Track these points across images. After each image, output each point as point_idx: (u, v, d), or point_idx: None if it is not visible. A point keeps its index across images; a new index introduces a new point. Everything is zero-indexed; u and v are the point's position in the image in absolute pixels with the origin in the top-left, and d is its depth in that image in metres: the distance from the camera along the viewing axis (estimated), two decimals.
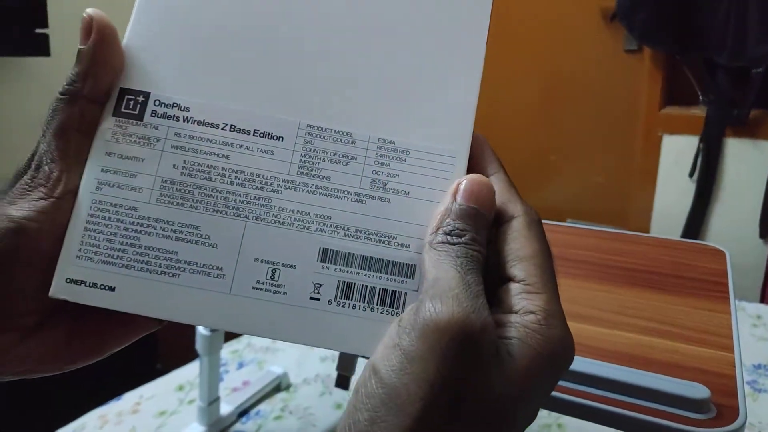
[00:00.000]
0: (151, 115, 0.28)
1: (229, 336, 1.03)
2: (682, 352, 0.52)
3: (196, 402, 0.85)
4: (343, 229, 0.27)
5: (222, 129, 0.28)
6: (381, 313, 0.26)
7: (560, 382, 0.46)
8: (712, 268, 0.88)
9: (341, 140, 0.28)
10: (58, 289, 0.26)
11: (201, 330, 0.82)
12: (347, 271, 0.26)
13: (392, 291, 0.26)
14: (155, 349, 1.48)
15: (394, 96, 0.28)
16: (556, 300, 0.24)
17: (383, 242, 0.27)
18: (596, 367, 0.46)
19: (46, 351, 0.27)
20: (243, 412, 0.89)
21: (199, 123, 0.28)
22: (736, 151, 1.55)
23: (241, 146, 0.27)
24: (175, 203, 0.27)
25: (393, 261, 0.27)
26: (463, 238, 0.25)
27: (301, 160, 0.27)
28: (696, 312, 0.63)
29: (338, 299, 0.26)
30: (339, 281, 0.26)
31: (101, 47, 0.27)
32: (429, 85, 0.28)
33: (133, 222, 0.27)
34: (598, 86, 1.75)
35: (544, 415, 0.91)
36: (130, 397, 0.93)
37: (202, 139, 0.27)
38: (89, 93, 0.27)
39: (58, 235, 0.26)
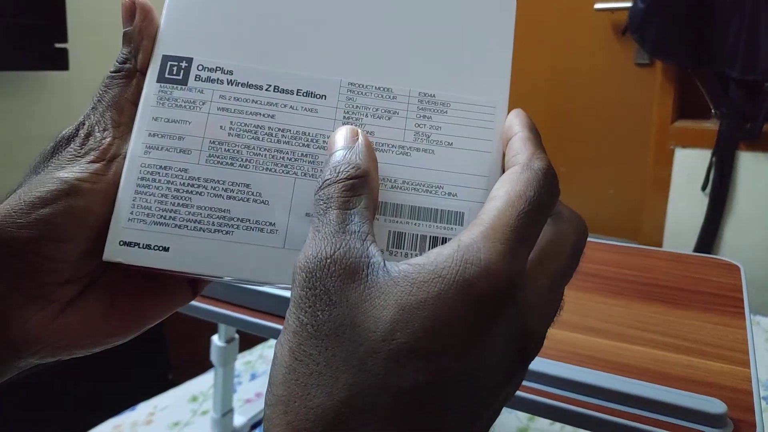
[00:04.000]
0: (195, 79, 0.28)
1: (243, 347, 1.03)
2: (697, 367, 0.52)
3: (210, 413, 0.86)
4: (390, 181, 0.27)
5: (266, 90, 0.28)
6: None
7: (575, 395, 0.46)
8: (726, 282, 0.88)
9: (382, 96, 0.28)
10: (112, 252, 0.26)
11: (216, 341, 0.82)
12: (397, 221, 0.27)
13: (443, 238, 0.27)
14: (167, 359, 1.49)
15: (432, 52, 0.29)
16: (491, 237, 0.21)
17: (430, 192, 0.27)
18: (611, 381, 0.46)
19: (84, 325, 0.27)
20: (256, 424, 0.90)
21: (243, 85, 0.28)
22: (749, 164, 1.55)
23: (285, 105, 0.28)
24: (224, 163, 0.27)
25: (441, 209, 0.27)
26: None
27: (344, 116, 0.28)
28: (711, 327, 0.63)
29: (390, 248, 0.27)
30: (390, 231, 0.27)
31: (146, 26, 0.28)
32: (465, 41, 0.29)
33: (184, 183, 0.27)
34: (610, 99, 1.75)
35: (557, 429, 0.90)
36: (144, 408, 0.93)
37: (247, 101, 0.28)
38: (142, 67, 0.28)
39: (109, 197, 0.27)
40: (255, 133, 0.28)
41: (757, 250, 1.54)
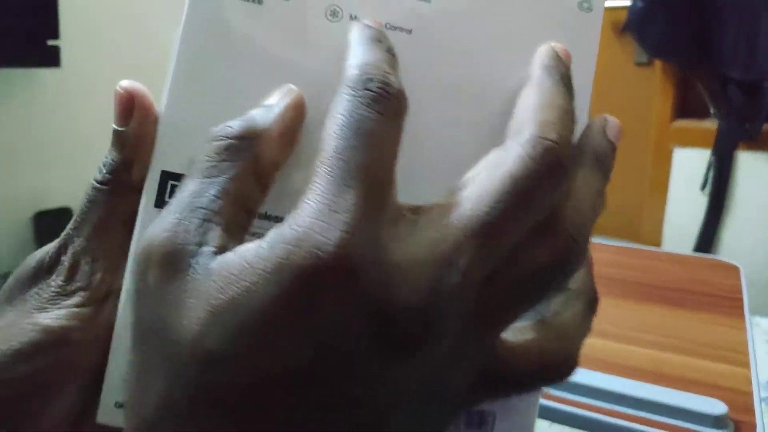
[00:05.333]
0: None
1: None
2: (697, 368, 0.52)
3: None
4: None
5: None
6: None
7: (573, 397, 0.45)
8: (726, 283, 0.87)
9: None
10: (107, 414, 0.22)
11: None
12: None
13: None
14: None
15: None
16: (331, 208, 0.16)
17: None
18: (610, 382, 0.46)
19: None
20: None
21: (260, 217, 0.23)
22: (748, 164, 1.54)
23: None
24: None
25: None
26: None
27: None
28: (710, 327, 0.62)
29: None
30: None
31: (146, 128, 0.23)
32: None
33: None
34: (609, 98, 1.74)
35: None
36: None
37: (254, 236, 0.23)
38: (137, 181, 0.23)
39: (103, 345, 0.22)
40: None
41: (757, 250, 1.53)
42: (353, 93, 0.18)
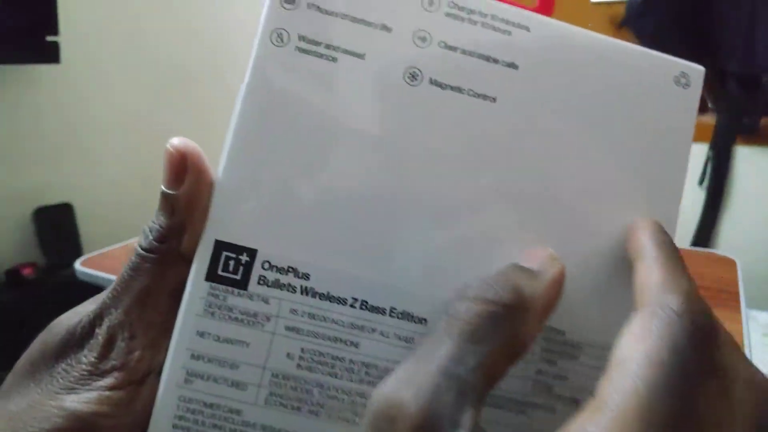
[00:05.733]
0: (259, 283, 0.21)
1: None
2: None
3: None
4: None
5: (351, 306, 0.21)
6: None
7: None
8: (722, 276, 0.87)
9: None
10: None
11: None
12: None
13: None
14: None
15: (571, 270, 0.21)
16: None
17: None
18: None
19: None
20: None
21: (321, 296, 0.21)
22: (747, 158, 1.54)
23: (374, 330, 0.21)
24: (289, 406, 0.21)
25: None
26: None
27: None
28: None
29: None
30: None
31: (200, 193, 0.21)
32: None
33: (235, 429, 0.21)
34: None
35: None
36: None
37: (325, 319, 0.21)
38: (187, 250, 0.21)
39: None
40: (332, 366, 0.21)
41: (755, 244, 1.54)
42: (674, 322, 0.16)
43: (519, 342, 0.17)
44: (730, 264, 0.95)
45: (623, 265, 0.21)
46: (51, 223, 1.35)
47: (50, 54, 1.27)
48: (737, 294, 0.84)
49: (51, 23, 1.26)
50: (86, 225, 1.45)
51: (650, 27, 1.54)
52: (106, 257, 1.03)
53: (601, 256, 0.22)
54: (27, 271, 1.28)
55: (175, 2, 1.67)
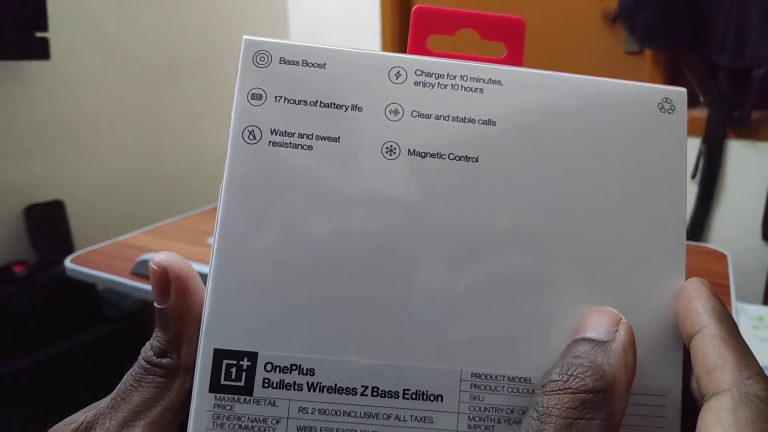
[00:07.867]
0: (264, 386, 0.20)
1: None
2: None
3: None
4: None
5: (362, 395, 0.20)
6: None
7: None
8: (713, 269, 0.88)
9: (519, 390, 0.21)
10: None
11: None
12: None
13: None
14: None
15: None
16: None
17: None
18: None
19: None
20: None
21: (330, 390, 0.20)
22: (738, 152, 1.55)
23: (389, 416, 0.20)
24: None
25: None
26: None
27: (469, 426, 0.20)
28: None
29: None
30: None
31: (188, 304, 0.21)
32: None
33: None
34: None
35: None
36: None
37: (337, 413, 0.20)
38: (186, 363, 0.20)
39: None
40: None
41: (746, 238, 1.55)
42: (763, 411, 0.16)
43: (615, 421, 0.17)
44: (721, 257, 0.95)
45: (651, 310, 0.21)
46: (42, 221, 1.35)
47: (40, 50, 1.26)
48: (728, 287, 0.84)
49: (40, 19, 1.25)
50: (78, 222, 1.45)
51: (642, 22, 1.55)
52: (97, 254, 1.02)
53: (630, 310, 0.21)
54: (18, 269, 1.27)
55: None
